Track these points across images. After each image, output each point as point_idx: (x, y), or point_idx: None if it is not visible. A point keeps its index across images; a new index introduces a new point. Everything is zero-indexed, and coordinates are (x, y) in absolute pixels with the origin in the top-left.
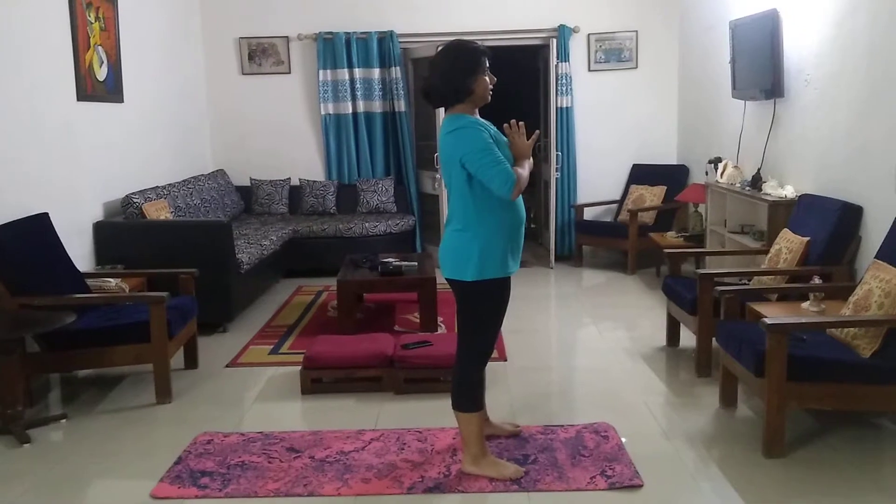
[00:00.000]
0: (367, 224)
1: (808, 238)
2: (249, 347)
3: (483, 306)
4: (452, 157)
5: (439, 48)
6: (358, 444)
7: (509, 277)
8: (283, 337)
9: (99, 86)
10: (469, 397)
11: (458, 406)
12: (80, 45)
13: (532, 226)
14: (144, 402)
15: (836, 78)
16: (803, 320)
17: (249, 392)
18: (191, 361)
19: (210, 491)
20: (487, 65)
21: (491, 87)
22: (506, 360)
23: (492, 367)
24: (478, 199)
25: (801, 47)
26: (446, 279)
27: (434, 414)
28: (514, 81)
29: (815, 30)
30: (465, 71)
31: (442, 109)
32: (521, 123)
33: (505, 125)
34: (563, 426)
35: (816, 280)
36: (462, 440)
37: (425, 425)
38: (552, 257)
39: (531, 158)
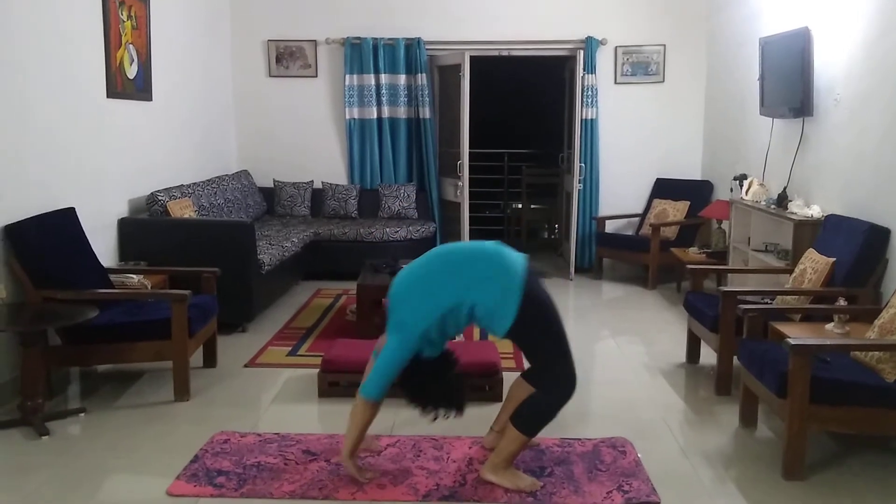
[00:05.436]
0: (387, 229)
1: (833, 259)
2: (268, 348)
3: (539, 324)
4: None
5: None
6: None
7: (527, 285)
8: (301, 339)
9: (129, 84)
10: (536, 424)
11: (520, 426)
12: (111, 43)
13: (553, 237)
14: (163, 399)
15: (867, 98)
16: (827, 342)
17: (267, 393)
18: (210, 360)
19: (226, 490)
20: None
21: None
22: None
23: (508, 379)
24: (438, 326)
25: (831, 66)
26: (509, 339)
27: (450, 421)
28: (540, 91)
29: (847, 49)
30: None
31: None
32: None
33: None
34: (580, 440)
35: (841, 302)
36: (496, 450)
37: (441, 433)
38: (572, 269)
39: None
